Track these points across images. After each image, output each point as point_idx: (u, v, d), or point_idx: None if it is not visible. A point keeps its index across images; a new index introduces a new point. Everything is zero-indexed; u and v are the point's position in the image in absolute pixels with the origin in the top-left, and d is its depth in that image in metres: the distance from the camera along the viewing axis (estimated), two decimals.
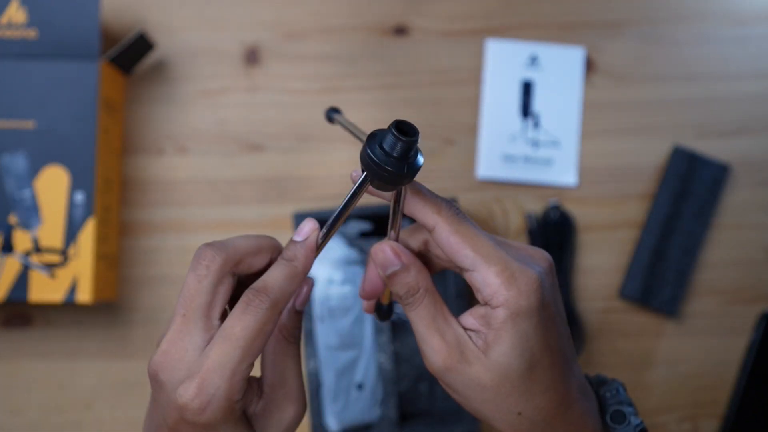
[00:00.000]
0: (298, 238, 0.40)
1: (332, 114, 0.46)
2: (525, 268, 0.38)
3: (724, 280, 0.76)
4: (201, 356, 0.36)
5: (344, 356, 0.70)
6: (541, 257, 0.40)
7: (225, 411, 0.36)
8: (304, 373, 0.71)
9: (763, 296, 0.75)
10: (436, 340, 0.39)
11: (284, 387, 0.40)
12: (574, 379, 0.41)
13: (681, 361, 0.75)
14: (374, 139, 0.37)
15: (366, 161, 0.37)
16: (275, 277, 0.38)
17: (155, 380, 0.37)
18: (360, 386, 0.70)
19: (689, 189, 0.75)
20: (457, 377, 0.39)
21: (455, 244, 0.38)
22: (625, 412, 0.42)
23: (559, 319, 0.40)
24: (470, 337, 0.39)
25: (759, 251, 0.76)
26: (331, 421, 0.70)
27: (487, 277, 0.37)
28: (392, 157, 0.37)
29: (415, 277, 0.40)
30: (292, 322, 0.40)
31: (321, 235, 0.41)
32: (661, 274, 0.74)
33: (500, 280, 0.37)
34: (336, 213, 0.40)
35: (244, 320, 0.36)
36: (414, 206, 0.39)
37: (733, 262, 0.76)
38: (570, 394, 0.40)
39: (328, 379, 0.70)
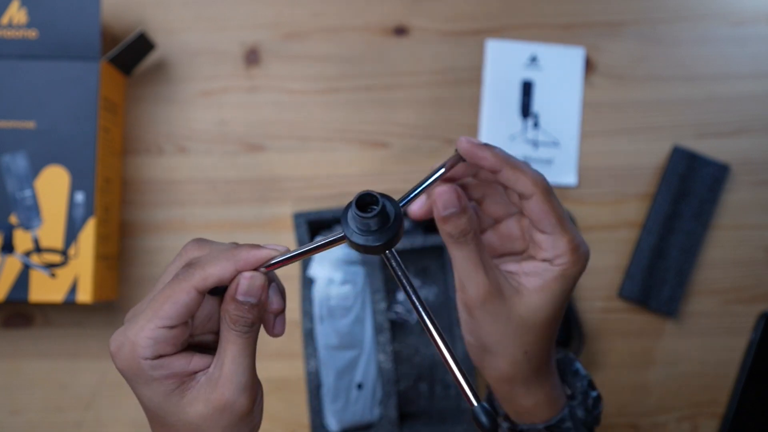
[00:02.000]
0: (258, 251, 0.42)
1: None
2: (584, 243, 0.46)
3: (723, 280, 0.76)
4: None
5: (344, 356, 0.70)
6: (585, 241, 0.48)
7: (131, 361, 0.40)
8: (305, 373, 0.71)
9: (762, 296, 0.75)
10: (481, 276, 0.45)
11: (221, 369, 0.41)
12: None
13: (680, 360, 0.75)
14: (348, 210, 0.39)
15: (344, 230, 0.39)
16: (209, 260, 0.41)
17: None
18: (360, 386, 0.71)
19: (689, 189, 0.75)
20: (489, 308, 0.45)
21: (545, 212, 0.44)
22: (577, 367, 0.51)
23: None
24: (507, 278, 0.46)
25: (758, 251, 0.76)
26: (331, 420, 0.70)
27: (558, 242, 0.45)
28: (364, 232, 0.39)
29: (468, 221, 0.45)
30: (235, 310, 0.41)
31: (277, 259, 0.42)
32: (661, 273, 0.74)
33: (569, 248, 0.45)
34: (297, 252, 0.42)
35: (164, 288, 0.41)
36: (514, 178, 0.44)
37: (733, 262, 0.76)
38: (554, 348, 0.49)
39: (328, 379, 0.70)
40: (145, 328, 0.40)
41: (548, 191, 0.45)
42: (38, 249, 0.69)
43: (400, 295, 0.75)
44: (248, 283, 0.41)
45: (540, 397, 0.48)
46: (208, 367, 0.42)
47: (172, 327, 0.40)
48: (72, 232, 0.69)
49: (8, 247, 0.69)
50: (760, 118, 0.77)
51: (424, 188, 0.43)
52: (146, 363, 0.40)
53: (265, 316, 0.43)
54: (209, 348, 0.44)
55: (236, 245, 0.42)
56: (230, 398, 0.41)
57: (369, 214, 0.38)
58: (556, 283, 0.45)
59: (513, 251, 0.48)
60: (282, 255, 0.42)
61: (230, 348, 0.41)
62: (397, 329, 0.75)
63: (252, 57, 0.78)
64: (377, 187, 0.76)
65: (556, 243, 0.45)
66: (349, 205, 0.39)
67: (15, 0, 0.70)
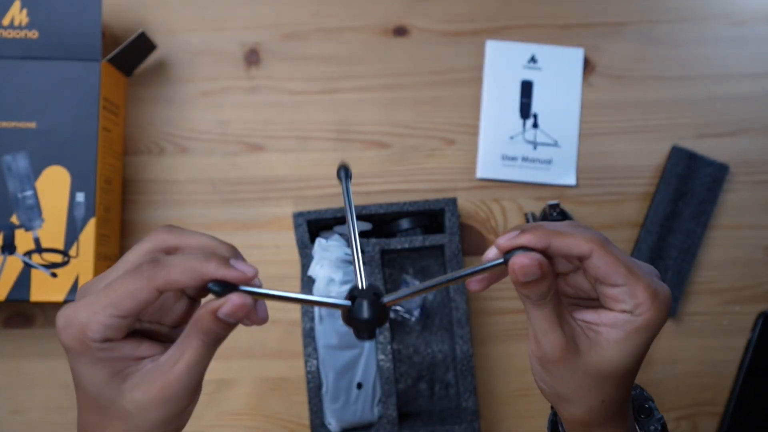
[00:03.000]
0: (234, 264, 0.41)
1: (342, 173, 0.47)
2: (663, 287, 0.43)
3: (722, 280, 0.76)
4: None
5: (344, 356, 0.70)
6: (658, 274, 0.46)
7: (78, 341, 0.40)
8: (305, 373, 0.71)
9: (761, 296, 0.75)
10: (558, 334, 0.43)
11: (171, 366, 0.41)
12: None
13: (679, 360, 0.75)
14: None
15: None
16: (176, 261, 0.41)
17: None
18: (360, 386, 0.71)
19: (688, 189, 0.75)
20: (565, 365, 0.43)
21: (610, 265, 0.42)
22: (652, 407, 0.49)
23: None
24: (582, 330, 0.44)
25: (757, 251, 0.76)
26: (331, 420, 0.70)
27: (636, 291, 0.42)
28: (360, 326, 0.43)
29: (549, 285, 0.42)
30: (207, 322, 0.41)
31: (253, 289, 0.42)
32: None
33: (647, 295, 0.42)
34: (281, 294, 0.43)
35: (125, 279, 0.40)
36: (568, 245, 0.42)
37: (732, 262, 0.76)
38: (630, 391, 0.47)
39: (328, 379, 0.70)
40: (99, 314, 0.40)
41: (605, 244, 0.42)
42: (39, 249, 0.69)
43: None
44: (235, 310, 0.40)
45: None
46: (154, 355, 0.42)
47: (125, 317, 0.40)
48: (73, 232, 0.69)
49: (9, 247, 0.69)
50: (760, 118, 0.77)
51: (418, 291, 0.44)
52: (94, 345, 0.40)
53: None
54: (153, 336, 0.44)
55: (207, 255, 0.41)
56: (173, 396, 0.41)
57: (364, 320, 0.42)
58: (638, 334, 0.43)
59: (588, 297, 0.46)
60: (263, 289, 0.42)
61: (190, 352, 0.41)
62: (397, 329, 0.75)
63: (252, 57, 0.78)
64: (377, 187, 0.77)
65: (632, 292, 0.42)
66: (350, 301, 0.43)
67: (16, 1, 0.70)
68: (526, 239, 0.41)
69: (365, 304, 0.42)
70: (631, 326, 0.42)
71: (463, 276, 0.43)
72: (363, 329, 0.42)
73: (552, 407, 0.51)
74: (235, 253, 0.43)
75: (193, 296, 0.45)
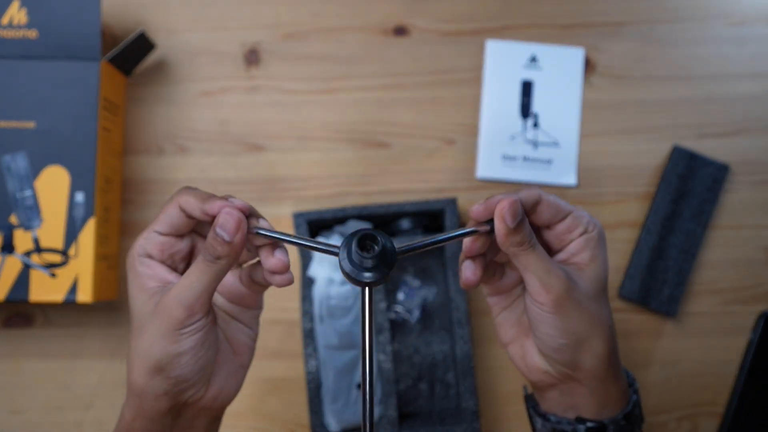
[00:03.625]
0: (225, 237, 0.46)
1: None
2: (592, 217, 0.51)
3: (723, 280, 0.76)
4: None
5: (344, 356, 0.70)
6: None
7: (130, 259, 0.49)
8: (305, 373, 0.71)
9: (761, 296, 0.75)
10: (556, 270, 0.47)
11: (177, 287, 0.47)
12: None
13: (680, 360, 0.75)
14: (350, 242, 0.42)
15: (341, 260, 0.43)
16: (194, 194, 0.48)
17: None
18: (360, 386, 0.71)
19: (688, 189, 0.75)
20: (575, 296, 0.48)
21: (555, 200, 0.49)
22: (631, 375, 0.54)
23: None
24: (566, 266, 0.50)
25: (758, 251, 0.76)
26: (331, 420, 0.70)
27: (579, 213, 0.50)
28: (356, 263, 0.42)
29: (529, 227, 0.48)
30: (211, 239, 0.46)
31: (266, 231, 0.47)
32: (661, 274, 0.74)
33: (587, 217, 0.50)
34: (288, 237, 0.46)
35: (162, 209, 0.49)
36: (526, 197, 0.48)
37: (732, 262, 0.76)
38: (618, 356, 0.51)
39: (327, 379, 0.70)
40: (144, 233, 0.49)
41: (545, 192, 0.49)
42: (38, 249, 0.69)
43: (400, 295, 0.75)
44: (224, 218, 0.45)
45: (624, 382, 0.51)
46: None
47: (161, 233, 0.48)
48: (72, 232, 0.69)
49: (8, 247, 0.69)
50: (760, 118, 0.77)
51: (428, 244, 0.45)
52: (137, 258, 0.48)
53: (264, 269, 0.48)
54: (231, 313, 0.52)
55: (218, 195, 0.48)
56: (169, 306, 0.46)
57: (367, 254, 0.42)
58: (599, 244, 0.50)
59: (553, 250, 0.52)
60: (271, 231, 0.46)
61: (192, 270, 0.46)
62: (397, 329, 0.75)
63: (252, 57, 0.78)
64: (377, 187, 0.77)
65: (579, 216, 0.50)
66: (352, 236, 0.42)
67: (15, 0, 0.70)
68: (491, 201, 0.47)
69: (380, 236, 0.41)
70: (593, 241, 0.49)
71: (459, 235, 0.46)
72: (379, 265, 0.42)
73: (525, 392, 0.55)
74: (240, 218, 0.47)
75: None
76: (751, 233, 0.76)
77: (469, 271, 0.49)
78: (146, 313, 0.47)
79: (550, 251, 0.51)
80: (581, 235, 0.50)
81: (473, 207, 0.47)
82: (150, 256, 0.49)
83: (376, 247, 0.41)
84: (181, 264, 0.51)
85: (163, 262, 0.49)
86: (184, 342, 0.46)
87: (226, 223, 0.45)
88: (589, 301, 0.48)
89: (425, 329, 0.75)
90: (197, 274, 0.46)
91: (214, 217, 0.46)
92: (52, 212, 0.69)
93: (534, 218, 0.49)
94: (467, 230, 0.46)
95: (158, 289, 0.48)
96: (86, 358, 0.76)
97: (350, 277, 0.43)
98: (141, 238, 0.49)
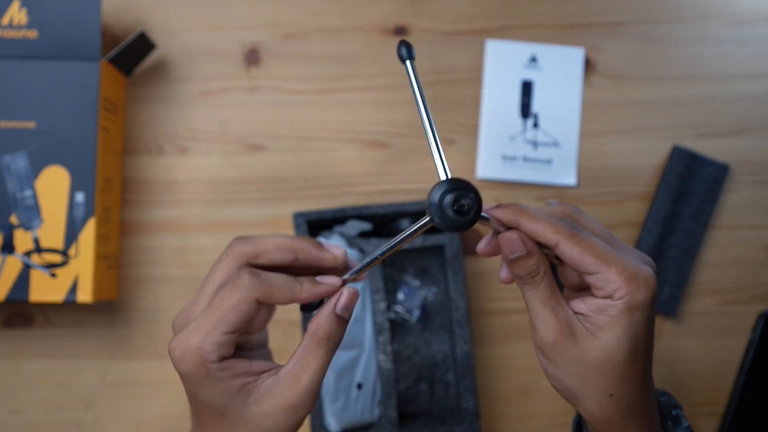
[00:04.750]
0: (323, 249, 0.45)
1: (403, 51, 0.46)
2: (643, 267, 0.43)
3: (723, 280, 0.76)
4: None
5: (344, 356, 0.70)
6: (651, 261, 0.45)
7: (197, 366, 0.42)
8: None
9: (761, 296, 0.75)
10: (550, 317, 0.44)
11: (297, 379, 0.44)
12: (652, 377, 0.46)
13: (680, 360, 0.75)
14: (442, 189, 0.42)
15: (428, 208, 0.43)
16: (277, 285, 0.44)
17: (174, 332, 0.44)
18: (360, 386, 0.71)
19: (688, 189, 0.75)
20: (562, 351, 0.44)
21: (578, 254, 0.43)
22: (680, 415, 0.49)
23: (654, 318, 0.45)
24: (578, 320, 0.44)
25: (758, 251, 0.76)
26: (331, 420, 0.70)
27: (609, 276, 0.42)
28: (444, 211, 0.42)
29: (536, 262, 0.44)
30: (329, 325, 0.44)
31: (349, 274, 0.45)
32: (661, 273, 0.74)
33: (622, 278, 0.42)
34: (383, 250, 0.45)
35: (223, 294, 0.42)
36: (534, 230, 0.44)
37: (732, 262, 0.76)
38: (650, 388, 0.45)
39: (328, 379, 0.70)
40: (211, 334, 0.42)
41: (572, 234, 0.43)
42: (38, 249, 0.69)
43: (400, 295, 0.75)
44: (350, 299, 0.44)
45: (651, 424, 0.46)
46: (268, 369, 0.44)
47: (232, 332, 0.42)
48: (72, 232, 0.69)
49: (8, 247, 0.69)
50: (760, 118, 0.77)
51: (398, 242, 0.45)
52: (213, 366, 0.42)
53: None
54: (245, 348, 0.47)
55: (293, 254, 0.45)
56: (301, 404, 0.44)
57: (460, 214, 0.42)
58: (623, 317, 0.43)
59: (581, 288, 0.47)
60: (355, 270, 0.45)
61: (315, 362, 0.44)
62: (397, 329, 0.75)
63: (252, 57, 0.78)
64: (377, 187, 0.77)
65: (606, 278, 0.42)
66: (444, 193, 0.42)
67: (15, 0, 0.70)
68: (499, 212, 0.44)
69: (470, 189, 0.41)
70: (615, 311, 0.43)
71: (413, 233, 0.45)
72: (466, 217, 0.42)
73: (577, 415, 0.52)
74: (315, 243, 0.46)
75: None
76: (751, 233, 0.76)
77: (483, 244, 0.46)
78: (254, 415, 0.44)
79: (576, 286, 0.47)
80: (604, 297, 0.43)
81: (497, 212, 0.44)
82: (224, 358, 0.43)
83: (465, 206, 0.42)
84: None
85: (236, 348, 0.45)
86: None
87: (350, 304, 0.44)
88: (587, 366, 0.44)
89: (425, 329, 0.75)
90: (319, 365, 0.44)
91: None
92: (52, 212, 0.69)
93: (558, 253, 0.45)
94: (422, 222, 0.44)
95: (247, 382, 0.44)
96: (86, 358, 0.76)
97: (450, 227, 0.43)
98: (207, 343, 0.42)
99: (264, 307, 0.46)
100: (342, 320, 0.44)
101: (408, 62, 0.46)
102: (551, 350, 0.44)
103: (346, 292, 0.44)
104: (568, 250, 0.43)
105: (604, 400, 0.44)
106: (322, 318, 0.44)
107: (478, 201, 0.42)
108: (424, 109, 0.45)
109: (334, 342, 0.44)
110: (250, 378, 0.44)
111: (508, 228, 0.44)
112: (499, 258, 0.46)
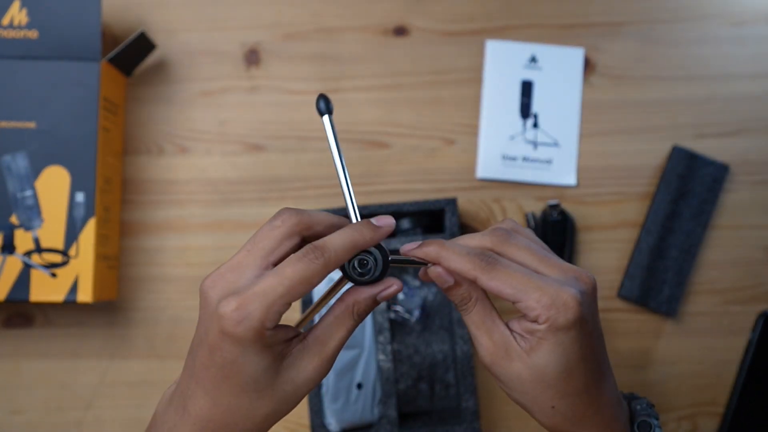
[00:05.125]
0: (375, 222, 0.46)
1: (322, 106, 0.50)
2: (563, 290, 0.45)
3: (722, 280, 0.76)
4: (251, 283, 0.43)
5: (344, 356, 0.70)
6: (585, 278, 0.47)
7: (256, 332, 0.42)
8: None
9: (761, 296, 0.75)
10: (485, 339, 0.47)
11: (323, 345, 0.46)
12: (607, 388, 0.48)
13: (680, 360, 0.75)
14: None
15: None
16: (335, 240, 0.44)
17: (205, 296, 0.44)
18: (360, 386, 0.71)
19: (688, 189, 0.75)
20: (501, 370, 0.47)
21: (495, 287, 0.45)
22: (651, 423, 0.50)
23: (596, 334, 0.47)
24: (515, 339, 0.47)
25: (757, 251, 0.76)
26: (331, 420, 0.70)
27: (528, 303, 0.44)
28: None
29: (466, 289, 0.47)
30: (365, 305, 0.46)
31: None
32: (660, 273, 0.74)
33: (540, 304, 0.44)
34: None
35: (296, 266, 0.42)
36: (454, 267, 0.46)
37: (732, 262, 0.76)
38: (601, 399, 0.47)
39: (328, 379, 0.70)
40: (277, 302, 0.42)
41: (487, 267, 0.45)
42: (39, 249, 0.69)
43: (400, 295, 0.75)
44: (395, 292, 0.47)
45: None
46: (297, 335, 0.46)
47: (292, 303, 0.43)
48: (72, 232, 0.69)
49: (9, 247, 0.69)
50: (760, 118, 0.77)
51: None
52: (268, 332, 0.42)
53: None
54: None
55: (354, 228, 0.46)
56: (323, 370, 0.46)
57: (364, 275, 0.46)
58: (548, 339, 0.45)
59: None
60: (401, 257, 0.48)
61: (343, 330, 0.46)
62: (397, 329, 0.75)
63: (252, 57, 0.78)
64: (377, 187, 0.77)
65: (527, 306, 0.44)
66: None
67: (16, 0, 0.70)
68: (420, 252, 0.47)
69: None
70: (541, 333, 0.45)
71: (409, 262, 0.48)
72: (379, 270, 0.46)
73: None
74: (370, 226, 0.47)
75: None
76: (750, 233, 0.76)
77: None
78: (281, 381, 0.45)
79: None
80: (530, 321, 0.45)
81: (403, 247, 0.48)
82: (277, 326, 0.43)
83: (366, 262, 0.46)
84: None
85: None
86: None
87: (395, 294, 0.47)
88: (525, 382, 0.46)
89: (425, 329, 0.75)
90: (344, 336, 0.47)
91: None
92: (53, 212, 0.69)
93: None
94: (417, 262, 0.47)
95: (283, 348, 0.45)
96: (86, 358, 0.76)
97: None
98: (272, 311, 0.42)
99: None
100: (376, 304, 0.47)
101: (326, 117, 0.49)
102: (492, 368, 0.47)
103: (393, 288, 0.46)
104: (486, 283, 0.45)
105: (548, 412, 0.47)
106: (363, 297, 0.46)
107: (384, 256, 0.45)
108: (341, 165, 0.48)
109: (361, 319, 0.47)
110: (283, 344, 0.44)
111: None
112: None
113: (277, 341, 0.44)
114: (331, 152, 0.48)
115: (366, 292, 0.46)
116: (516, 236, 0.48)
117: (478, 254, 0.46)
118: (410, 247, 0.47)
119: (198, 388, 0.44)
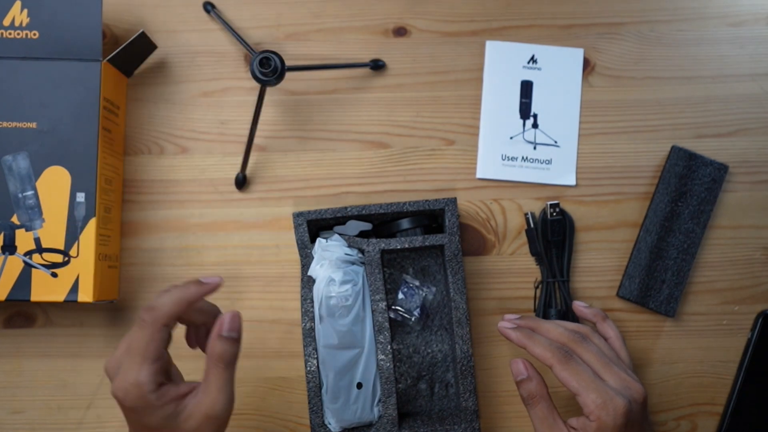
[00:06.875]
0: (203, 280, 0.55)
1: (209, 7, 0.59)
2: (616, 397, 0.55)
3: (721, 280, 0.76)
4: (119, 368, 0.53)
5: (344, 356, 0.70)
6: (637, 390, 0.57)
7: (139, 398, 0.50)
8: (305, 373, 0.71)
9: (760, 296, 0.75)
10: None
11: (207, 394, 0.53)
12: None
13: (679, 360, 0.75)
14: None
15: None
16: (162, 300, 0.53)
17: (108, 377, 0.53)
18: (359, 385, 0.71)
19: (687, 189, 0.75)
20: None
21: (564, 378, 0.56)
22: None
23: None
24: None
25: (756, 251, 0.76)
26: (331, 420, 0.70)
27: (586, 400, 0.55)
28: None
29: (535, 386, 0.59)
30: (219, 346, 0.53)
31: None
32: (659, 273, 0.75)
33: (596, 405, 0.55)
34: None
35: (136, 334, 0.52)
36: (536, 354, 0.58)
37: (731, 262, 0.76)
38: None
39: (327, 379, 0.70)
40: (142, 369, 0.51)
41: (563, 359, 0.56)
42: (40, 249, 0.69)
43: (400, 295, 0.75)
44: (230, 320, 0.53)
45: None
46: (192, 390, 0.53)
47: (157, 360, 0.52)
48: (73, 232, 0.69)
49: (10, 247, 0.69)
50: (759, 118, 0.77)
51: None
52: (152, 395, 0.51)
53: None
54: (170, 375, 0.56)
55: (183, 284, 0.54)
56: (216, 414, 0.52)
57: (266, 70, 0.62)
58: None
59: None
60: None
61: (215, 379, 0.52)
62: (396, 329, 0.75)
63: None
64: (377, 187, 0.77)
65: (585, 402, 0.55)
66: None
67: (17, 1, 0.70)
68: (513, 335, 0.60)
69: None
70: (590, 429, 0.55)
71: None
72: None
73: None
74: (198, 280, 0.55)
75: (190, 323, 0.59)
76: (749, 233, 0.76)
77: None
78: (187, 429, 0.53)
79: None
80: (585, 416, 0.55)
81: (500, 324, 0.64)
82: (160, 385, 0.52)
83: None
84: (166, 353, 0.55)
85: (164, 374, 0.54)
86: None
87: (233, 324, 0.53)
88: None
89: (425, 329, 0.75)
90: (223, 381, 0.53)
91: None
92: (54, 212, 0.69)
93: None
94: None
95: (177, 404, 0.53)
96: (87, 357, 0.76)
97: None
98: (143, 376, 0.51)
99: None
100: (231, 340, 0.53)
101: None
102: None
103: (228, 316, 0.53)
104: (559, 373, 0.56)
105: None
106: (212, 341, 0.53)
107: (281, 61, 0.62)
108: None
109: (228, 359, 0.53)
110: (179, 400, 0.52)
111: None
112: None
113: (167, 400, 0.51)
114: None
115: (211, 337, 0.53)
116: (589, 342, 0.59)
117: (558, 347, 0.57)
118: (506, 326, 0.61)
119: None
